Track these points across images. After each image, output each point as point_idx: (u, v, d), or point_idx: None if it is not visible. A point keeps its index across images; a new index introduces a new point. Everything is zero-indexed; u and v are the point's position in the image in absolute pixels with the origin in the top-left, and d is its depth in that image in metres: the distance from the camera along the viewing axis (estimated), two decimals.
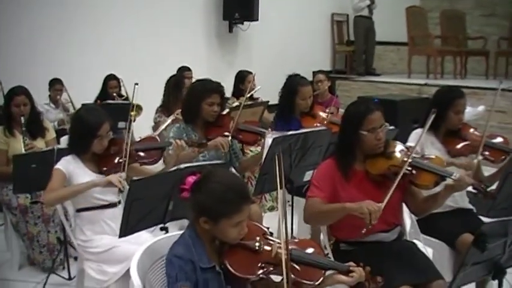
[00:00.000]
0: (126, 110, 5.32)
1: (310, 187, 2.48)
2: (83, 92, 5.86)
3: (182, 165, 2.38)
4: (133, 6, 7.24)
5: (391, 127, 3.66)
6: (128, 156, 2.78)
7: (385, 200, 2.25)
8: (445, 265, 2.83)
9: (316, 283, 1.87)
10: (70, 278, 3.54)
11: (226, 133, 3.20)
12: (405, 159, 2.43)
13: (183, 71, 6.23)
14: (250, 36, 8.41)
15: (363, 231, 2.20)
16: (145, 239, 2.55)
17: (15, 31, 6.44)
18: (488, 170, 3.15)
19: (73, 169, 2.82)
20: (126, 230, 2.39)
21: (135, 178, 2.31)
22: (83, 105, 3.27)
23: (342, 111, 5.57)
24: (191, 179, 1.79)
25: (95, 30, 6.92)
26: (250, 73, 5.66)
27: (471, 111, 6.08)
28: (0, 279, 3.68)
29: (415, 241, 3.14)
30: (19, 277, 3.72)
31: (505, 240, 1.89)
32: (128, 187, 2.53)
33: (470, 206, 3.12)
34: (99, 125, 2.78)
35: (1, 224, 4.26)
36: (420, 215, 2.66)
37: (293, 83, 3.82)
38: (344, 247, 2.53)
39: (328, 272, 1.91)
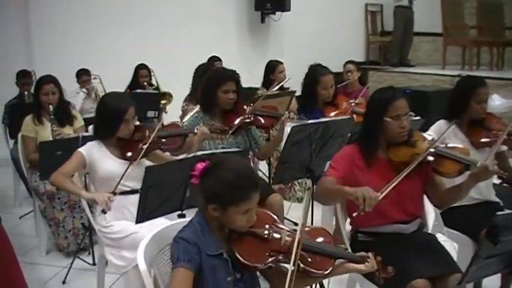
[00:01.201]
0: (155, 99, 5.51)
1: (328, 167, 2.47)
2: (114, 81, 5.94)
3: (199, 153, 2.38)
4: None
5: (417, 117, 3.60)
6: (148, 143, 2.80)
7: (387, 190, 2.21)
8: (468, 259, 2.75)
9: (325, 272, 1.85)
10: (94, 263, 3.61)
11: (240, 117, 3.20)
12: (429, 147, 2.40)
13: (213, 60, 6.24)
14: (282, 26, 8.35)
15: (354, 214, 2.17)
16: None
17: (49, 21, 6.58)
18: None
19: (97, 153, 2.87)
20: (143, 216, 2.41)
21: (150, 165, 2.32)
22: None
23: None
24: (200, 166, 1.78)
25: (127, 21, 7.00)
26: (281, 63, 5.63)
27: (504, 103, 5.94)
28: (29, 263, 3.76)
29: (438, 234, 3.10)
30: (46, 261, 3.83)
31: None
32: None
33: (497, 199, 3.03)
34: (125, 109, 2.82)
35: (31, 210, 4.39)
36: (442, 207, 2.60)
37: (314, 73, 3.79)
38: (362, 237, 2.50)
39: (338, 261, 1.89)
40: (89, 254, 3.76)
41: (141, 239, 2.63)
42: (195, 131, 2.92)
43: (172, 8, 7.33)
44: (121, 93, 3.00)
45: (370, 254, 1.91)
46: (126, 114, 2.81)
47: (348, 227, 2.62)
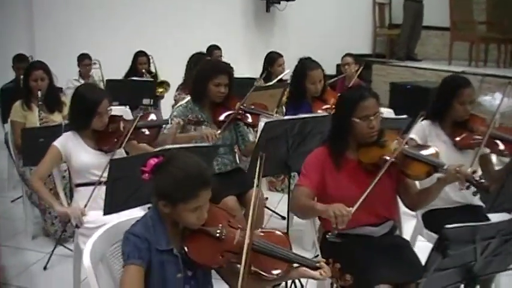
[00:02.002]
0: (150, 87, 5.48)
1: (300, 175, 2.43)
2: (115, 67, 5.95)
3: (168, 146, 2.36)
4: None
5: (404, 116, 3.53)
6: (127, 134, 2.80)
7: (358, 203, 2.17)
8: None
9: (277, 275, 1.82)
10: None
11: (229, 112, 3.13)
12: (398, 147, 2.34)
13: (212, 49, 6.20)
14: (287, 16, 8.27)
15: (328, 236, 2.17)
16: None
17: (51, 7, 6.60)
18: None
19: (72, 145, 2.87)
20: (110, 207, 2.40)
21: (114, 157, 2.31)
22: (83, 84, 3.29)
23: None
24: (152, 162, 1.77)
25: (130, 6, 7.00)
26: (281, 56, 5.55)
27: (507, 101, 5.80)
28: (15, 247, 3.80)
29: (418, 237, 3.06)
30: (31, 246, 3.84)
31: (474, 247, 1.75)
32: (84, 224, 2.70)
33: (480, 203, 2.96)
34: (98, 102, 2.81)
35: (19, 196, 4.41)
36: (414, 209, 2.57)
37: (302, 67, 3.73)
38: (332, 238, 2.45)
39: (295, 265, 1.86)
40: (73, 240, 3.76)
41: (119, 225, 2.67)
42: (170, 122, 2.89)
43: None
44: (95, 86, 3.00)
45: (323, 262, 1.86)
46: (99, 107, 2.80)
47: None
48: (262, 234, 1.94)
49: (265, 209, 4.13)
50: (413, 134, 3.00)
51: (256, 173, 1.86)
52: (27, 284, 3.31)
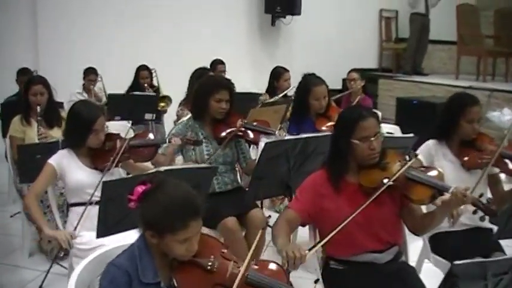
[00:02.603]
0: (153, 102, 5.43)
1: (294, 197, 2.35)
2: (118, 82, 5.91)
3: (162, 168, 2.27)
4: None
5: (410, 134, 3.43)
6: (119, 153, 2.72)
7: (318, 246, 2.08)
8: None
9: None
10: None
11: (231, 129, 3.07)
12: (399, 170, 2.22)
13: (216, 64, 6.15)
14: (293, 30, 8.23)
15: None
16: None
17: (56, 21, 6.59)
18: None
19: (67, 163, 2.81)
20: (103, 230, 2.32)
21: (107, 180, 2.23)
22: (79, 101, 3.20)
23: (375, 111, 5.38)
24: (140, 189, 1.67)
25: (133, 21, 6.98)
26: (287, 71, 5.48)
27: None
28: (12, 265, 3.73)
29: (425, 261, 2.95)
30: (28, 264, 3.75)
31: (485, 284, 1.64)
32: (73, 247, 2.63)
33: (490, 226, 2.85)
34: (94, 119, 2.74)
35: (17, 212, 4.34)
36: (419, 234, 2.42)
37: (306, 83, 3.65)
38: (334, 265, 2.35)
39: None
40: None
41: (107, 253, 2.58)
42: (167, 141, 2.81)
43: (181, 9, 7.28)
44: (91, 102, 2.93)
45: None
46: (95, 124, 2.73)
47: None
48: (256, 267, 1.83)
49: (269, 228, 4.04)
50: (421, 155, 2.91)
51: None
52: None
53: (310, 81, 3.66)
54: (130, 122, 5.52)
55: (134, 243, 1.73)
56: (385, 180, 2.19)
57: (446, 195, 2.17)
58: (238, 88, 6.07)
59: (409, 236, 2.61)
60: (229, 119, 3.23)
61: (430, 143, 2.94)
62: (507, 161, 2.83)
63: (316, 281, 2.17)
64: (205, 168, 2.54)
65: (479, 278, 1.63)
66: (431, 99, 6.36)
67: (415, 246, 2.91)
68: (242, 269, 1.66)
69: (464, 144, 2.88)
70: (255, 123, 3.28)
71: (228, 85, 3.25)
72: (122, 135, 2.96)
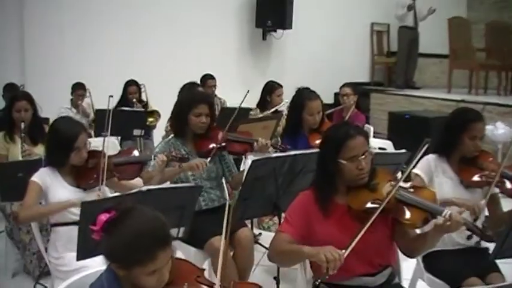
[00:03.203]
0: (141, 117, 5.34)
1: (282, 221, 2.23)
2: (104, 96, 5.81)
3: (144, 188, 2.18)
4: (164, 11, 7.18)
5: (402, 150, 3.36)
6: (104, 171, 2.63)
7: (350, 247, 1.95)
8: None
9: None
10: None
11: (213, 144, 2.99)
12: (390, 191, 2.10)
13: (206, 79, 6.09)
14: (284, 44, 8.19)
15: (317, 283, 1.94)
16: None
17: (43, 34, 6.50)
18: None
19: (50, 181, 2.71)
20: (83, 253, 2.22)
21: (86, 200, 2.14)
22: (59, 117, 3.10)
23: (368, 127, 5.32)
24: (104, 217, 1.56)
25: (122, 34, 6.92)
26: (280, 86, 5.42)
27: (508, 131, 5.64)
28: None
29: (418, 281, 2.86)
30: (11, 285, 3.65)
31: None
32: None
33: (486, 245, 2.76)
34: (75, 137, 2.65)
35: (1, 230, 4.22)
36: (411, 256, 2.30)
37: (300, 97, 3.56)
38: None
39: None
40: None
41: (89, 275, 2.48)
42: (153, 158, 2.72)
43: (171, 23, 7.22)
44: (72, 119, 2.84)
45: None
46: (76, 142, 2.64)
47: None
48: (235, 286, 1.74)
49: (260, 246, 3.96)
50: (418, 170, 2.83)
51: (225, 222, 1.65)
52: None
53: (304, 95, 3.58)
54: (119, 138, 5.48)
55: (102, 275, 1.62)
56: (376, 205, 2.07)
57: (440, 219, 2.04)
58: (229, 103, 6.04)
59: (402, 256, 2.53)
60: (211, 133, 3.18)
61: (430, 158, 2.85)
62: (506, 180, 2.75)
63: None
64: (190, 187, 2.44)
65: None
66: (424, 113, 6.32)
67: (409, 265, 2.82)
68: None
69: (465, 161, 2.80)
70: (237, 135, 3.22)
71: (207, 99, 3.22)
72: (111, 151, 2.87)
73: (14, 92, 5.15)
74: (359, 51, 8.89)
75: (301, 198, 2.23)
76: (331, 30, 8.37)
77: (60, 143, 2.66)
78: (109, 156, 2.69)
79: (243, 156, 3.23)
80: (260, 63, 8.19)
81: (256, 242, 4.09)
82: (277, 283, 2.85)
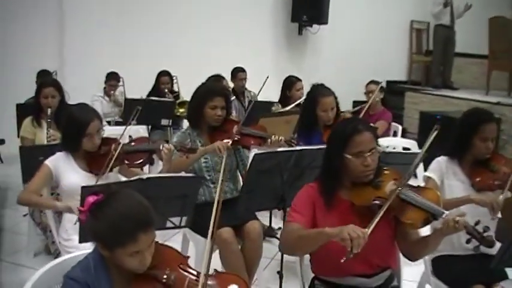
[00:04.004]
0: (170, 107, 5.42)
1: (289, 212, 2.20)
2: (141, 86, 5.95)
3: (144, 176, 2.23)
4: (200, 4, 7.25)
5: (417, 150, 3.29)
6: (113, 157, 2.70)
7: (372, 226, 1.93)
8: None
9: None
10: None
11: (227, 140, 3.02)
12: (393, 190, 2.08)
13: (237, 71, 6.13)
14: (320, 40, 8.13)
15: (342, 260, 1.85)
16: None
17: (82, 23, 6.68)
18: None
19: (63, 165, 2.80)
20: (85, 236, 2.28)
21: (87, 185, 2.20)
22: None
23: (395, 125, 5.23)
24: (91, 199, 1.62)
25: (159, 27, 7.02)
26: (300, 80, 5.39)
27: None
28: (15, 263, 3.76)
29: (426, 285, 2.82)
30: (31, 264, 3.76)
31: None
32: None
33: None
34: (87, 123, 2.74)
35: (25, 213, 4.38)
36: (412, 259, 2.24)
37: (314, 93, 3.54)
38: (318, 285, 2.24)
39: None
40: None
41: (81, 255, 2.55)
42: (161, 147, 2.77)
43: (207, 17, 7.29)
44: (87, 106, 2.91)
45: None
46: (88, 128, 2.72)
47: None
48: (216, 279, 1.76)
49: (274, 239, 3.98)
50: (431, 173, 2.79)
51: (212, 220, 1.67)
52: None
53: (318, 91, 3.56)
54: (150, 126, 5.58)
55: (88, 255, 1.69)
56: (379, 202, 2.06)
57: (440, 221, 2.00)
58: (263, 98, 6.04)
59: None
60: (226, 126, 3.20)
61: (441, 159, 2.80)
62: None
63: None
64: (191, 177, 2.47)
65: None
66: (455, 115, 6.12)
67: (413, 268, 2.78)
68: (200, 284, 1.58)
69: (477, 164, 2.74)
70: (252, 130, 3.23)
71: (223, 92, 3.24)
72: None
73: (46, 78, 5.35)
74: (397, 49, 8.75)
75: (306, 189, 2.23)
76: (369, 27, 8.26)
77: (74, 129, 2.74)
78: (119, 144, 2.76)
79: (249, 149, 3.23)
80: (295, 58, 8.16)
81: (274, 236, 4.10)
82: (280, 278, 2.85)
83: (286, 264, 2.91)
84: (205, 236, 3.04)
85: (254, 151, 2.74)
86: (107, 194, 1.65)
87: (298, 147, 2.70)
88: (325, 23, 7.70)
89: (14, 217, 4.62)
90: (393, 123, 5.17)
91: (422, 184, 2.83)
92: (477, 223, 1.98)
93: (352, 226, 1.87)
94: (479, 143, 2.67)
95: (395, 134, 5.21)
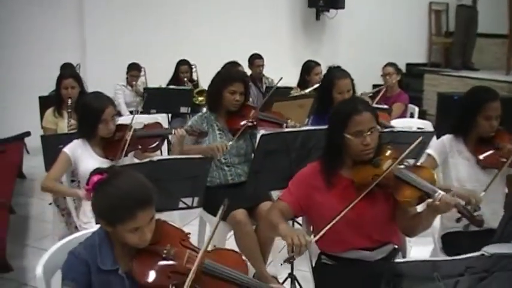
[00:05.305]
0: (187, 95, 5.52)
1: (285, 190, 2.30)
2: (159, 75, 6.07)
3: (155, 158, 2.33)
4: None
5: (426, 129, 3.30)
6: (126, 143, 2.81)
7: (322, 232, 2.00)
8: None
9: None
10: None
11: (244, 122, 3.11)
12: (388, 167, 2.13)
13: (254, 58, 6.19)
14: (338, 24, 8.11)
15: (281, 264, 2.01)
16: None
17: (103, 14, 6.81)
18: None
19: (80, 152, 2.91)
20: None
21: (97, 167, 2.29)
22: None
23: (412, 107, 5.22)
24: (95, 178, 1.72)
25: (178, 16, 7.11)
26: (318, 65, 5.44)
27: None
28: (41, 248, 3.91)
29: None
30: None
31: (436, 285, 1.53)
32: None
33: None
34: (102, 109, 2.84)
35: (50, 202, 4.53)
36: (409, 235, 2.32)
37: (330, 75, 3.55)
38: (325, 260, 2.32)
39: None
40: None
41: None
42: (173, 132, 2.87)
43: (224, 3, 7.33)
44: (100, 93, 3.01)
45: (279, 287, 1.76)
46: (104, 114, 2.83)
47: None
48: (215, 255, 1.84)
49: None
50: (431, 150, 2.82)
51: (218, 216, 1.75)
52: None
53: (334, 74, 3.56)
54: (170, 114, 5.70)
55: (95, 232, 1.79)
56: (372, 180, 2.11)
57: (433, 199, 2.04)
58: (281, 84, 6.07)
59: (420, 238, 2.51)
60: (244, 111, 3.27)
61: (445, 138, 2.83)
62: None
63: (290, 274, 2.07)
64: (199, 158, 2.55)
65: (427, 279, 1.53)
66: None
67: (427, 248, 2.83)
68: (198, 259, 1.67)
69: (482, 142, 2.75)
70: (268, 115, 3.28)
71: (243, 77, 3.29)
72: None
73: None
74: (416, 31, 8.67)
75: (306, 169, 2.30)
76: (386, 10, 8.20)
77: (89, 116, 2.86)
78: (134, 130, 2.86)
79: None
80: (313, 43, 8.16)
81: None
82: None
83: None
84: (221, 218, 3.16)
85: (261, 132, 2.81)
86: (109, 174, 1.75)
87: (303, 128, 2.75)
88: (342, 7, 7.69)
89: (41, 206, 4.80)
90: (410, 105, 5.17)
91: (422, 160, 2.88)
92: (468, 203, 2.03)
93: (298, 233, 1.94)
94: (483, 121, 2.69)
95: (412, 116, 5.21)
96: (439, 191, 2.02)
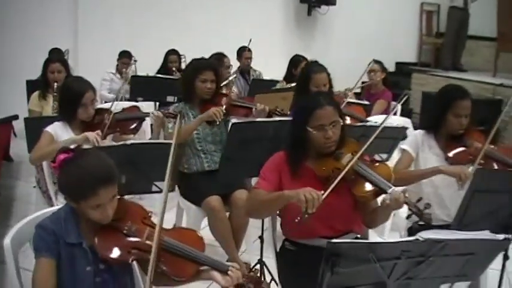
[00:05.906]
0: (174, 85, 5.58)
1: (258, 179, 2.35)
2: (149, 64, 6.11)
3: (129, 141, 2.40)
4: None
5: (401, 125, 3.38)
6: (106, 125, 2.89)
7: (328, 191, 2.06)
8: None
9: (185, 277, 1.81)
10: None
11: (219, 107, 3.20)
12: (349, 161, 2.20)
13: (242, 51, 6.25)
14: (329, 20, 8.19)
15: (296, 220, 2.00)
16: None
17: (93, 6, 6.85)
18: None
19: (61, 133, 2.99)
20: None
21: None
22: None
23: (394, 104, 5.30)
24: (62, 156, 1.79)
25: (169, 5, 7.14)
26: (306, 59, 5.52)
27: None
28: None
29: None
30: None
31: (374, 267, 1.60)
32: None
33: None
34: (82, 93, 2.91)
35: (34, 186, 4.61)
36: (370, 227, 2.40)
37: (307, 70, 3.65)
38: (288, 246, 2.41)
39: (204, 267, 1.84)
40: None
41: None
42: (150, 114, 2.96)
43: None
44: (81, 78, 3.08)
45: (236, 266, 1.83)
46: (83, 99, 2.90)
47: None
48: (175, 233, 1.92)
49: None
50: (406, 145, 2.90)
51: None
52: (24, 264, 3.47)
53: (311, 68, 3.65)
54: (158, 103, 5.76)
55: (62, 207, 1.87)
56: (335, 172, 2.19)
57: (386, 196, 2.11)
58: (273, 77, 6.15)
59: (390, 231, 2.58)
60: (217, 99, 3.36)
61: (418, 133, 2.92)
62: (492, 161, 2.78)
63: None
64: (160, 143, 2.62)
65: (362, 260, 1.60)
66: None
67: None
68: (156, 234, 1.75)
69: (452, 139, 2.84)
70: (238, 100, 3.41)
71: (213, 65, 3.40)
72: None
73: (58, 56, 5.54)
74: (407, 31, 8.75)
75: (275, 157, 2.37)
76: (379, 8, 8.27)
77: (69, 99, 2.93)
78: (111, 112, 2.94)
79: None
80: (305, 38, 8.23)
81: None
82: (261, 242, 3.01)
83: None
84: (197, 204, 3.25)
85: (233, 121, 2.89)
86: (75, 153, 1.82)
87: (274, 119, 2.83)
88: (334, 4, 7.76)
89: (26, 188, 4.87)
90: (393, 103, 5.25)
91: (398, 154, 2.97)
92: (419, 200, 2.11)
93: (309, 188, 2.01)
94: (452, 118, 2.77)
95: (395, 114, 5.28)
96: (393, 188, 2.10)
